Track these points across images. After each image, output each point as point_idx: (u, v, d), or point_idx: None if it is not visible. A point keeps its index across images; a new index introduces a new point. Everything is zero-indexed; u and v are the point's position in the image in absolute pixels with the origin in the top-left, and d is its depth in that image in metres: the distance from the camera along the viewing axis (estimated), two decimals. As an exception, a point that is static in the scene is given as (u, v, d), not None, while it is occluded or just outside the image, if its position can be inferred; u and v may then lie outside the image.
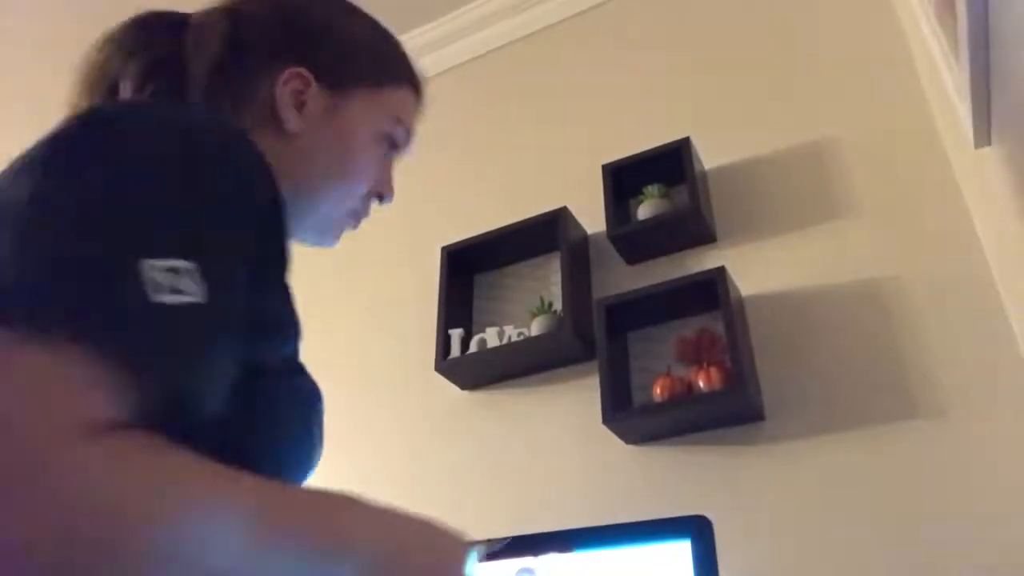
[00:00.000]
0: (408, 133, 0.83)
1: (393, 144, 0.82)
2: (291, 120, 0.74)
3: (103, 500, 0.38)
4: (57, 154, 0.51)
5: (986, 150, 1.12)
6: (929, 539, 1.22)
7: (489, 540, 0.85)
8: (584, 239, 1.81)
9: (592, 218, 1.81)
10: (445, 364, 1.72)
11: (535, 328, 1.67)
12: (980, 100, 1.01)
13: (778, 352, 1.48)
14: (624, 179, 1.75)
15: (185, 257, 0.48)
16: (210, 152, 0.55)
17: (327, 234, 0.82)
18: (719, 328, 1.51)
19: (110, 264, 0.46)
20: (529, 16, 2.33)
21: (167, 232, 0.49)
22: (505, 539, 0.90)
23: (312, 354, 2.25)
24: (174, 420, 0.46)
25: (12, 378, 0.40)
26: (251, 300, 0.55)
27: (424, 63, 2.59)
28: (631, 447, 1.53)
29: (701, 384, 1.43)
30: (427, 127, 2.55)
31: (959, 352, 1.33)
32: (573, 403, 1.64)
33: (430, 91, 0.91)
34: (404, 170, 2.49)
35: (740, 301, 1.53)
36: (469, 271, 1.92)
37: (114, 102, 0.66)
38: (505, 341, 1.69)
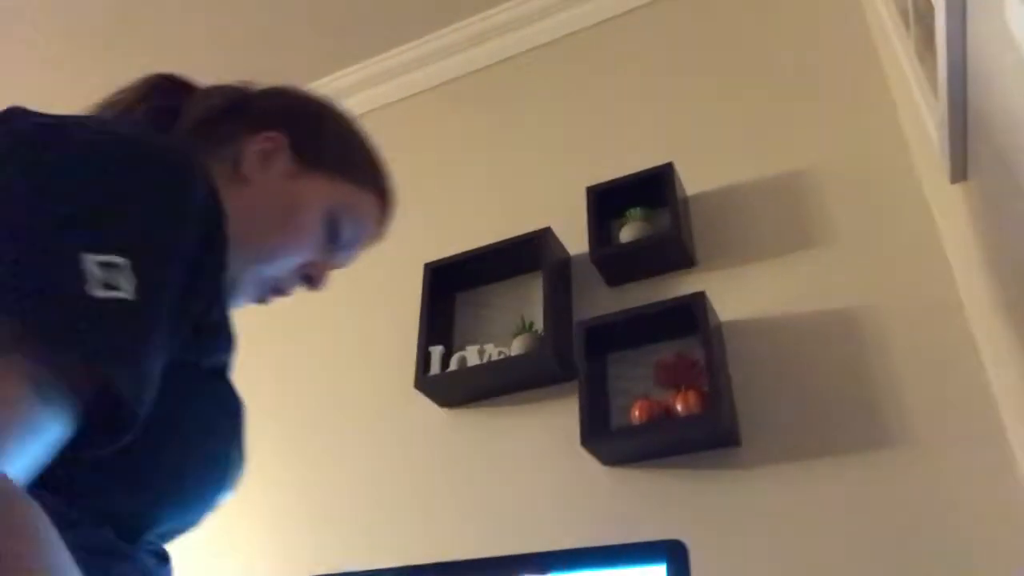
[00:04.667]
0: (355, 232, 0.86)
1: (336, 233, 0.84)
2: (248, 168, 0.79)
3: None
4: (13, 152, 0.55)
5: (961, 185, 1.15)
6: (901, 565, 1.23)
7: None
8: (566, 260, 1.82)
9: (575, 240, 1.82)
10: (425, 381, 1.71)
11: (516, 347, 1.67)
12: (957, 136, 1.04)
13: (754, 378, 1.49)
14: (607, 202, 1.77)
15: (121, 254, 0.51)
16: (152, 157, 0.59)
17: (239, 293, 0.82)
18: (697, 352, 1.52)
19: (52, 251, 0.49)
20: (515, 37, 2.35)
21: (106, 229, 0.52)
22: None
23: (291, 368, 2.24)
24: (93, 401, 0.49)
25: None
26: (186, 302, 0.57)
27: (410, 81, 2.62)
28: (608, 468, 1.53)
29: (679, 408, 1.44)
30: (414, 144, 2.56)
31: (931, 381, 1.35)
32: (552, 423, 1.64)
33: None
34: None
35: (718, 326, 1.55)
36: (451, 288, 1.92)
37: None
38: (485, 360, 1.69)
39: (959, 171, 1.11)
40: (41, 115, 0.59)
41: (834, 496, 1.32)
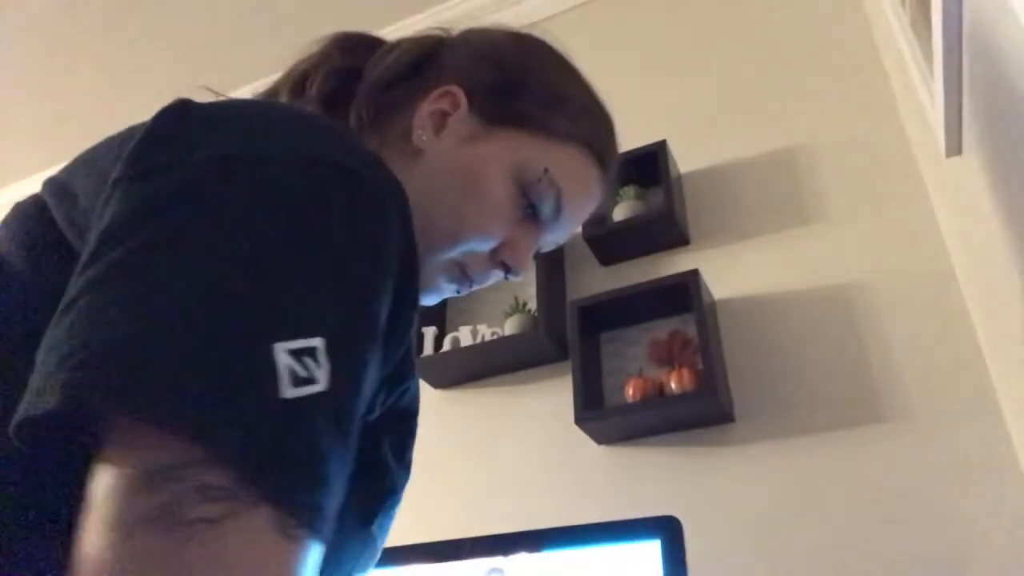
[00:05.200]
0: (560, 199, 0.68)
1: (530, 201, 0.67)
2: (421, 136, 0.65)
3: None
4: (174, 189, 0.42)
5: (957, 159, 1.14)
6: (897, 540, 1.23)
7: None
8: (559, 239, 1.81)
9: (567, 218, 1.81)
10: (418, 362, 1.71)
11: (509, 328, 1.67)
12: (952, 109, 1.03)
13: (748, 355, 1.49)
14: (600, 180, 1.75)
15: (314, 334, 0.40)
16: (346, 198, 0.44)
17: (427, 287, 0.69)
18: (691, 330, 1.52)
19: (245, 351, 0.38)
20: (505, 16, 2.32)
21: (299, 306, 0.40)
22: None
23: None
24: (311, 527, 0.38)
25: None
26: (381, 370, 0.47)
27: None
28: (602, 447, 1.53)
29: (672, 386, 1.44)
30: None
31: (925, 356, 1.35)
32: (546, 403, 1.64)
33: None
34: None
35: (712, 304, 1.54)
36: (443, 269, 1.91)
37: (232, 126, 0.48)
38: (479, 340, 1.68)
39: (954, 145, 1.10)
40: (216, 129, 0.46)
41: (828, 472, 1.33)
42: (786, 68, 1.80)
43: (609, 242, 1.69)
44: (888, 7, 1.42)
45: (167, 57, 2.48)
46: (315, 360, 0.39)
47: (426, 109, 0.66)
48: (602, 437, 1.52)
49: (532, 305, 1.71)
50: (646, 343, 1.58)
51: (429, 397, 1.78)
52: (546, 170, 0.66)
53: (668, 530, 0.99)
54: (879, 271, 1.46)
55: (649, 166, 1.71)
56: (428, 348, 1.72)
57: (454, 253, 0.66)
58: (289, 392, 0.38)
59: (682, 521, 1.00)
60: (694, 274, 1.49)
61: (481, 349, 1.67)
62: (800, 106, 1.73)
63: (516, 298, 1.73)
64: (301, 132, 0.47)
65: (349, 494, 0.43)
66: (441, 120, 0.66)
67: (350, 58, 0.70)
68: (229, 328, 0.38)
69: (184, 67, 2.47)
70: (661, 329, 1.58)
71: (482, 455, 1.66)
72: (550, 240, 0.73)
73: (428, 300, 0.72)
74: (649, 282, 1.54)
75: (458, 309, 1.87)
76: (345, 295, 0.42)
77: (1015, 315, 1.03)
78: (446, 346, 1.71)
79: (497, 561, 1.07)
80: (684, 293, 1.50)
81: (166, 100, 0.48)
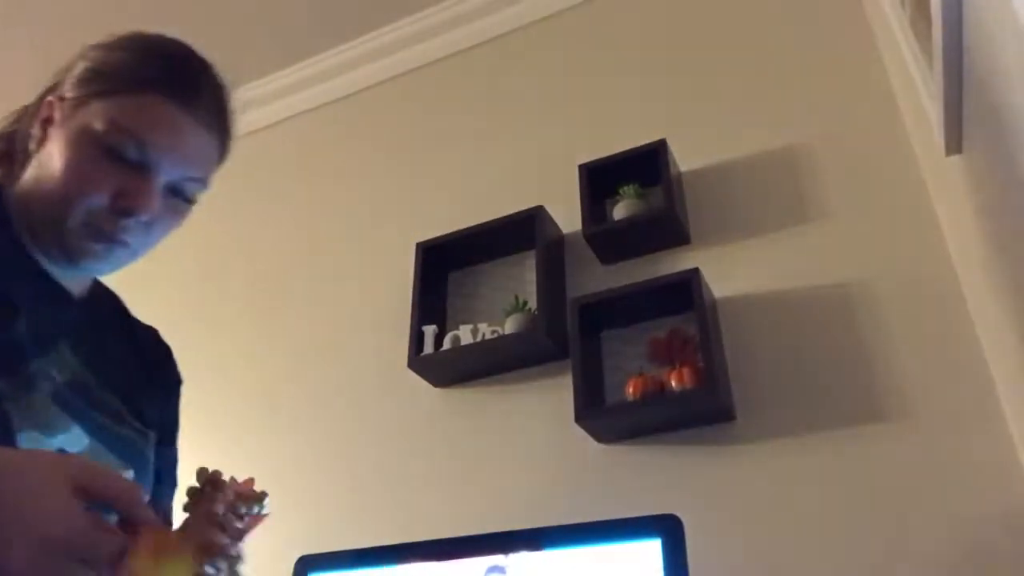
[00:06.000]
0: (136, 141, 0.79)
1: (117, 153, 0.79)
2: (32, 141, 0.83)
3: None
4: None
5: (956, 158, 1.14)
6: (898, 539, 1.23)
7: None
8: (560, 238, 1.82)
9: (568, 217, 1.81)
10: (418, 361, 1.71)
11: (509, 326, 1.67)
12: (952, 108, 1.03)
13: (749, 353, 1.49)
14: (600, 179, 1.75)
15: None
16: None
17: (74, 252, 0.81)
18: (692, 329, 1.52)
19: None
20: (507, 15, 2.32)
21: None
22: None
23: (284, 349, 2.23)
24: None
25: None
26: None
27: (401, 59, 2.59)
28: (603, 446, 1.53)
29: (673, 384, 1.44)
30: (406, 124, 2.54)
31: (926, 354, 1.35)
32: (546, 401, 1.64)
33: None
34: (382, 166, 2.48)
35: (713, 302, 1.54)
36: (444, 268, 1.91)
37: None
38: (479, 339, 1.68)
39: (954, 144, 1.10)
40: None
41: (829, 471, 1.33)
42: (786, 67, 1.80)
43: (610, 241, 1.69)
44: (888, 6, 1.41)
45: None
46: None
47: (36, 123, 0.84)
48: (602, 435, 1.52)
49: (532, 304, 1.71)
50: (646, 342, 1.58)
51: (429, 396, 1.78)
52: (111, 120, 0.79)
53: (668, 529, 0.99)
54: (879, 269, 1.46)
55: (649, 165, 1.71)
56: (428, 347, 1.72)
57: (78, 216, 0.79)
58: None
59: (682, 519, 1.00)
60: (695, 273, 1.49)
61: (481, 348, 1.67)
62: (800, 105, 1.73)
63: (516, 297, 1.73)
64: None
65: None
66: (45, 127, 0.83)
67: (14, 122, 0.90)
68: None
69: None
70: (661, 328, 1.58)
71: (482, 453, 1.66)
72: (171, 176, 0.82)
73: (92, 266, 0.84)
74: (650, 281, 1.55)
75: (458, 308, 1.87)
76: None
77: (1015, 314, 1.03)
78: (446, 345, 1.71)
79: (497, 559, 1.07)
80: (685, 292, 1.50)
81: None
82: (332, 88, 2.51)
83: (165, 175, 0.81)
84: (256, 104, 2.50)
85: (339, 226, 2.20)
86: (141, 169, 0.80)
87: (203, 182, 0.87)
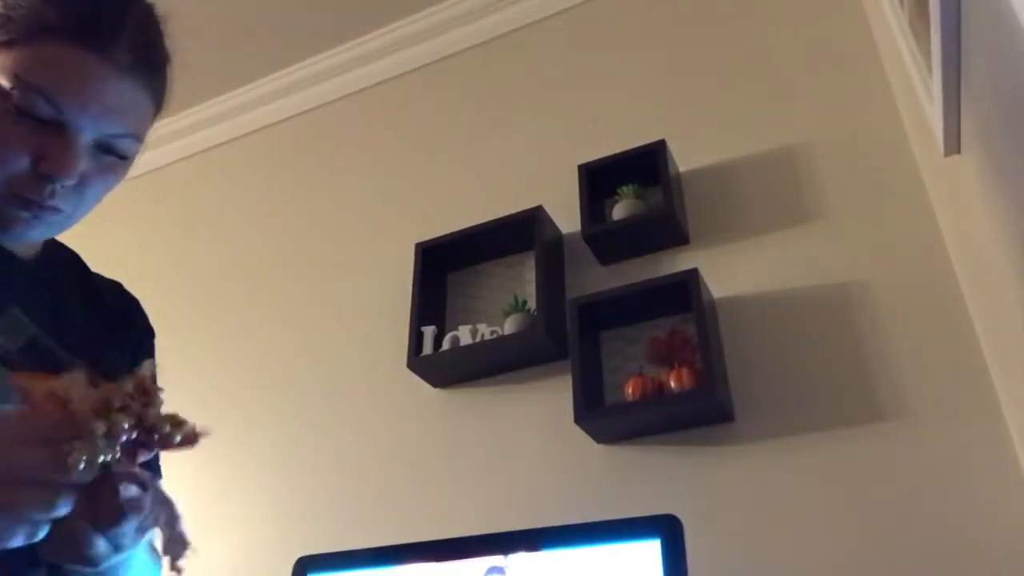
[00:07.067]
0: (47, 97, 0.70)
1: (22, 109, 0.70)
2: None
3: None
4: None
5: (955, 158, 1.14)
6: (897, 539, 1.24)
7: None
8: (559, 238, 1.82)
9: (567, 218, 1.81)
10: (417, 361, 1.71)
11: (508, 327, 1.67)
12: (951, 107, 1.03)
13: (748, 354, 1.49)
14: (600, 180, 1.75)
15: None
16: None
17: (1, 220, 0.74)
18: (691, 329, 1.52)
19: None
20: (506, 15, 2.32)
21: None
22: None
23: (283, 349, 2.23)
24: None
25: None
26: None
27: (401, 59, 2.59)
28: (602, 446, 1.53)
29: (672, 384, 1.44)
30: (404, 124, 2.54)
31: (925, 355, 1.35)
32: (545, 402, 1.64)
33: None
34: (381, 166, 2.47)
35: (712, 303, 1.54)
36: (443, 268, 1.91)
37: None
38: (478, 339, 1.68)
39: (953, 144, 1.10)
40: None
41: (828, 471, 1.33)
42: (785, 67, 1.80)
43: (609, 241, 1.69)
44: (887, 6, 1.41)
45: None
46: None
47: None
48: (602, 436, 1.52)
49: (532, 304, 1.71)
50: (646, 342, 1.58)
51: (428, 396, 1.78)
52: (15, 76, 0.69)
53: (668, 529, 0.99)
54: (878, 270, 1.46)
55: (648, 165, 1.71)
56: (427, 347, 1.72)
57: (3, 186, 0.71)
58: None
59: (682, 520, 1.00)
60: (694, 273, 1.49)
61: (480, 348, 1.67)
62: (799, 105, 1.73)
63: (516, 297, 1.73)
64: None
65: None
66: None
67: None
68: None
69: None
70: (661, 328, 1.58)
71: (481, 454, 1.66)
72: (94, 133, 0.74)
73: (24, 234, 0.76)
74: (649, 281, 1.55)
75: (458, 308, 1.87)
76: None
77: (1015, 313, 1.03)
78: (445, 345, 1.71)
79: (497, 560, 1.07)
80: (684, 292, 1.50)
81: None
82: (332, 88, 2.51)
83: (88, 133, 0.73)
84: (256, 104, 2.50)
85: (338, 227, 2.20)
86: (59, 127, 0.71)
87: (135, 137, 0.77)
